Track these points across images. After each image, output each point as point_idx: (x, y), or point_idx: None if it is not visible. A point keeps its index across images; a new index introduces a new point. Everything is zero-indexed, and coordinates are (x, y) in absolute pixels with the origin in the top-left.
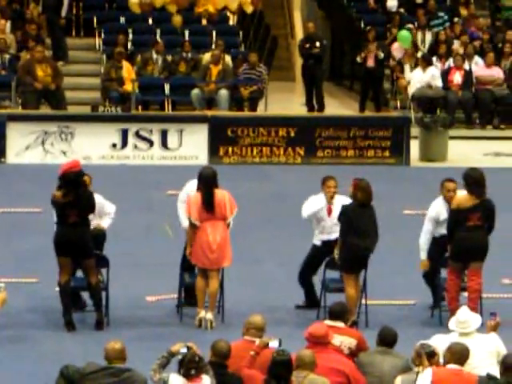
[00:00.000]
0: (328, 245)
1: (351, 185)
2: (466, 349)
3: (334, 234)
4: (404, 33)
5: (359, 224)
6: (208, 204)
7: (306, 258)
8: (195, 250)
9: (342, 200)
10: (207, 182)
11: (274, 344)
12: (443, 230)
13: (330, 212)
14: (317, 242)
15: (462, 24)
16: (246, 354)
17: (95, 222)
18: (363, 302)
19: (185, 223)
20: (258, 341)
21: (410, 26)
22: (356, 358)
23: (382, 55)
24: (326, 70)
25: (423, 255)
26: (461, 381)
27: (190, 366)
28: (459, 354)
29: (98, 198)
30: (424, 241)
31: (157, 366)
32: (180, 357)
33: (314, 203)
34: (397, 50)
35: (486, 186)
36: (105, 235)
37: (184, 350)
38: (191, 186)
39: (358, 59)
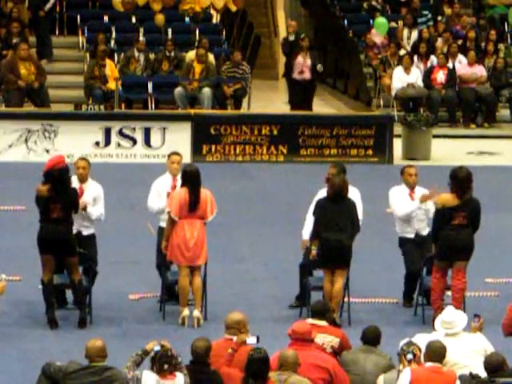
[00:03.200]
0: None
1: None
2: (443, 347)
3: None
4: (380, 20)
5: (329, 218)
6: (194, 203)
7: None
8: (171, 247)
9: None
10: (194, 180)
11: (251, 341)
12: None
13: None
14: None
15: (446, 22)
16: (226, 352)
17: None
18: (345, 299)
19: (155, 208)
20: (235, 338)
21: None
22: (339, 357)
23: (321, 68)
24: None
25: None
26: (440, 378)
27: (162, 360)
28: (436, 352)
29: (100, 190)
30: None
31: (131, 364)
32: (153, 354)
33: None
34: (375, 36)
35: (471, 185)
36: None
37: (157, 348)
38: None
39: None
